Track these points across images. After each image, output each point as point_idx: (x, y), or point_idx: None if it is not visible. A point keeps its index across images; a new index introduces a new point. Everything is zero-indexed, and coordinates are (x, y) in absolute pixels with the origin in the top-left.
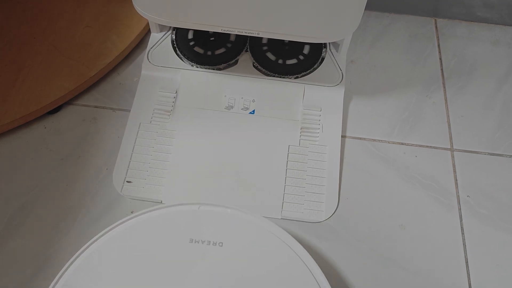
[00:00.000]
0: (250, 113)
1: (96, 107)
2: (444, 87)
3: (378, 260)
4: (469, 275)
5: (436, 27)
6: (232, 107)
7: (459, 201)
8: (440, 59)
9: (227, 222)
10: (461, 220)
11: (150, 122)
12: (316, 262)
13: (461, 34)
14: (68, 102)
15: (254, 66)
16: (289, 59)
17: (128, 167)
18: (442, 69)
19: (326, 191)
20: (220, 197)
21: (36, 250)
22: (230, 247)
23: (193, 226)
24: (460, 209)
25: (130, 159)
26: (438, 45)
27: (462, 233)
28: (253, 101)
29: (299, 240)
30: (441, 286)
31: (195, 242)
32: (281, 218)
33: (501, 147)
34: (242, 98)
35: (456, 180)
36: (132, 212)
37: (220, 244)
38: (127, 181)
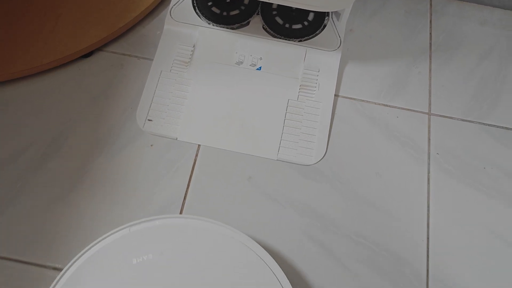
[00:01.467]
0: (257, 69)
1: (123, 54)
2: (430, 60)
3: (355, 199)
4: (429, 216)
5: (430, 4)
6: (241, 62)
7: (429, 157)
8: (430, 33)
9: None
10: (428, 173)
11: (170, 70)
12: (305, 199)
13: (453, 13)
14: (99, 49)
15: (263, 28)
16: (295, 24)
17: (150, 107)
18: (431, 43)
19: (317, 140)
20: (226, 139)
21: (71, 170)
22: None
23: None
24: (429, 163)
25: (152, 101)
26: (430, 21)
27: (428, 183)
28: (261, 58)
29: (292, 181)
30: (405, 223)
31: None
32: (276, 160)
33: (472, 115)
34: (251, 55)
35: (429, 139)
36: (151, 146)
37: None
38: (148, 120)
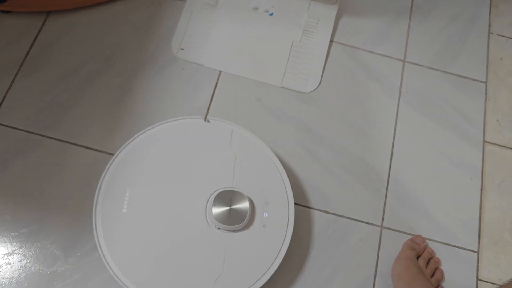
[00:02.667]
0: (269, 14)
1: None
2: (410, 18)
3: (339, 121)
4: (394, 137)
5: None
6: (257, 8)
7: (400, 94)
8: None
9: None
10: (398, 105)
11: (199, 11)
12: (301, 118)
13: None
14: None
15: None
16: None
17: (182, 39)
18: (412, 4)
19: (313, 74)
20: (242, 67)
21: (121, 83)
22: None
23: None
24: (399, 99)
25: (184, 34)
26: None
27: (397, 113)
28: (273, 6)
29: (292, 104)
30: (375, 141)
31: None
32: (281, 86)
33: (437, 64)
34: (265, 3)
35: (402, 81)
36: (183, 69)
37: None
38: (181, 48)
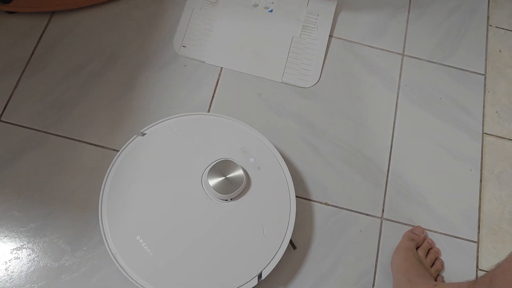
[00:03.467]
0: (269, 11)
1: None
2: (409, 12)
3: (339, 115)
4: (394, 130)
5: None
6: (257, 5)
7: (399, 87)
8: None
9: None
10: (397, 98)
11: (200, 8)
12: (301, 113)
13: None
14: None
15: None
16: None
17: (184, 36)
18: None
19: (313, 69)
20: (243, 64)
21: (123, 80)
22: None
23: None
24: (398, 92)
25: (185, 31)
26: None
27: (396, 106)
28: (272, 3)
29: (292, 99)
30: (375, 134)
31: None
32: (281, 82)
33: (436, 57)
34: (265, 0)
35: (401, 74)
36: (185, 66)
37: None
38: (183, 46)
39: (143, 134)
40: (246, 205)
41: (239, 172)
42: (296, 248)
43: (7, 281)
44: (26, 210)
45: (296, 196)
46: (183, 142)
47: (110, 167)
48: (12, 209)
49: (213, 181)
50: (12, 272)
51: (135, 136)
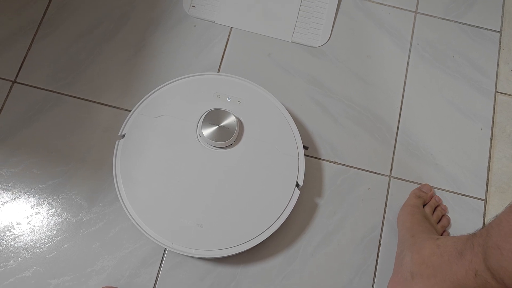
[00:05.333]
0: None
1: None
2: None
3: (349, 74)
4: (404, 89)
5: None
6: None
7: (411, 45)
8: None
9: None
10: (408, 57)
11: None
12: (311, 72)
13: None
14: None
15: None
16: None
17: None
18: None
19: (323, 28)
20: (252, 23)
21: (135, 40)
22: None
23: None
24: (410, 50)
25: None
26: None
27: (407, 65)
28: None
29: (302, 58)
30: (385, 93)
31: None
32: (291, 41)
33: (450, 14)
34: None
35: (413, 33)
36: (195, 26)
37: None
38: (192, 6)
39: (123, 136)
40: (252, 141)
41: (231, 118)
42: (308, 148)
43: (29, 234)
44: (44, 168)
45: (305, 155)
46: (192, 104)
47: (122, 127)
48: (31, 167)
49: (207, 131)
50: (34, 226)
51: (147, 95)
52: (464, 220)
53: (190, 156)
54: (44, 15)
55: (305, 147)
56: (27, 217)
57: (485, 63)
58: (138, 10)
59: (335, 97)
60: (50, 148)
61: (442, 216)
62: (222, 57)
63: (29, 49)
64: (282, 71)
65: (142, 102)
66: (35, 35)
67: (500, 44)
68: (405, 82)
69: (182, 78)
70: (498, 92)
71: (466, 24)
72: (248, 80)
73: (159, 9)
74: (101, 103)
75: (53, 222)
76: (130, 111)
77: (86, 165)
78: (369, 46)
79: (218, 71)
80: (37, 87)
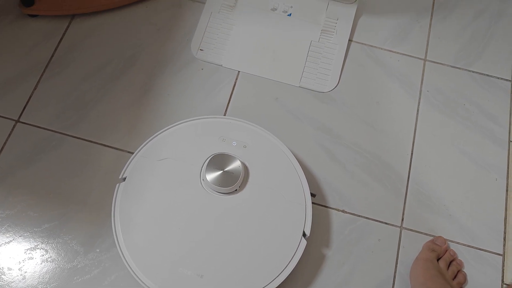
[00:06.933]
0: (288, 15)
1: None
2: (432, 16)
3: (358, 120)
4: (415, 137)
5: None
6: (276, 9)
7: (421, 92)
8: None
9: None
10: (418, 104)
11: (219, 12)
12: (319, 117)
13: None
14: None
15: None
16: None
17: (202, 40)
18: (433, 2)
19: (331, 73)
20: (260, 68)
21: (141, 82)
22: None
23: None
24: (420, 98)
25: (203, 35)
26: None
27: (417, 112)
28: (291, 7)
29: (309, 103)
30: (395, 141)
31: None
32: (299, 86)
33: (460, 63)
34: (284, 4)
35: (422, 80)
36: (202, 69)
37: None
38: (200, 49)
39: (124, 179)
40: (257, 187)
41: (236, 163)
42: (316, 196)
43: (20, 281)
44: (41, 210)
45: (313, 203)
46: (197, 148)
47: (124, 169)
48: (27, 209)
49: (211, 176)
50: (26, 272)
51: (151, 138)
52: (481, 276)
53: (192, 201)
54: (52, 56)
55: (313, 195)
56: (19, 263)
57: (497, 112)
58: (146, 52)
59: (343, 143)
60: (50, 189)
61: (458, 271)
62: (229, 100)
63: (35, 88)
64: (289, 116)
65: (145, 144)
66: (42, 75)
67: (511, 92)
68: (415, 130)
69: (187, 121)
70: (511, 141)
71: (476, 72)
72: (254, 124)
73: (167, 51)
74: (104, 145)
75: (46, 269)
76: (133, 153)
77: (85, 208)
78: (378, 92)
79: (225, 115)
80: (40, 127)
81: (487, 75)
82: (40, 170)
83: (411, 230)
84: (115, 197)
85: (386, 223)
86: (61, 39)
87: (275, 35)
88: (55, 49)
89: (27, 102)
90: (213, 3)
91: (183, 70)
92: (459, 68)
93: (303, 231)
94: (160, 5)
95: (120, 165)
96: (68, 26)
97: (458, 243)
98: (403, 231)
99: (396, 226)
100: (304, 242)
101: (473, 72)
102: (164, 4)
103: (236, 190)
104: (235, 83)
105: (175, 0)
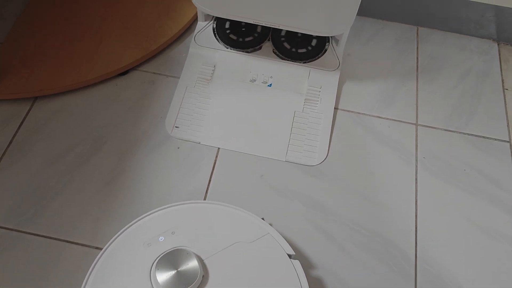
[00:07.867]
0: (268, 85)
1: (154, 73)
2: (417, 79)
3: (352, 194)
4: (417, 209)
5: (417, 33)
6: (255, 80)
7: (417, 159)
8: (417, 58)
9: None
10: (416, 173)
11: (194, 86)
12: (309, 194)
13: (436, 40)
14: (134, 68)
15: (273, 51)
16: (300, 48)
17: (177, 117)
18: (417, 65)
19: (319, 145)
20: (242, 143)
21: (111, 166)
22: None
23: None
24: (416, 165)
25: (178, 111)
26: (417, 48)
27: (416, 182)
28: (271, 77)
29: (298, 179)
30: (396, 215)
31: None
32: (285, 161)
33: (453, 125)
34: (263, 74)
35: (417, 146)
36: (178, 148)
37: None
38: (175, 127)
39: None
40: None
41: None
42: None
43: None
44: None
45: None
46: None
47: (90, 268)
48: None
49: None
50: None
51: (118, 234)
52: None
53: None
54: (10, 143)
55: None
56: None
57: (500, 176)
58: (116, 133)
59: (339, 220)
60: None
61: None
62: (209, 181)
63: None
64: (277, 194)
65: (115, 239)
66: None
67: None
68: (416, 201)
69: (163, 209)
70: None
71: (471, 134)
72: (239, 207)
73: (138, 131)
74: (67, 241)
75: None
76: (101, 249)
77: None
78: (371, 162)
79: (205, 198)
80: None
81: (483, 136)
82: None
83: None
84: None
85: None
86: (21, 124)
87: (256, 107)
88: (13, 136)
89: None
90: (188, 78)
91: (157, 150)
92: (453, 131)
93: None
94: (131, 82)
95: (86, 264)
96: (29, 109)
97: None
98: None
99: None
100: None
101: (468, 134)
102: (135, 80)
103: None
104: (215, 161)
105: (147, 76)
